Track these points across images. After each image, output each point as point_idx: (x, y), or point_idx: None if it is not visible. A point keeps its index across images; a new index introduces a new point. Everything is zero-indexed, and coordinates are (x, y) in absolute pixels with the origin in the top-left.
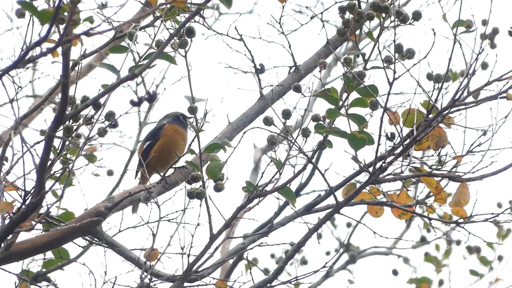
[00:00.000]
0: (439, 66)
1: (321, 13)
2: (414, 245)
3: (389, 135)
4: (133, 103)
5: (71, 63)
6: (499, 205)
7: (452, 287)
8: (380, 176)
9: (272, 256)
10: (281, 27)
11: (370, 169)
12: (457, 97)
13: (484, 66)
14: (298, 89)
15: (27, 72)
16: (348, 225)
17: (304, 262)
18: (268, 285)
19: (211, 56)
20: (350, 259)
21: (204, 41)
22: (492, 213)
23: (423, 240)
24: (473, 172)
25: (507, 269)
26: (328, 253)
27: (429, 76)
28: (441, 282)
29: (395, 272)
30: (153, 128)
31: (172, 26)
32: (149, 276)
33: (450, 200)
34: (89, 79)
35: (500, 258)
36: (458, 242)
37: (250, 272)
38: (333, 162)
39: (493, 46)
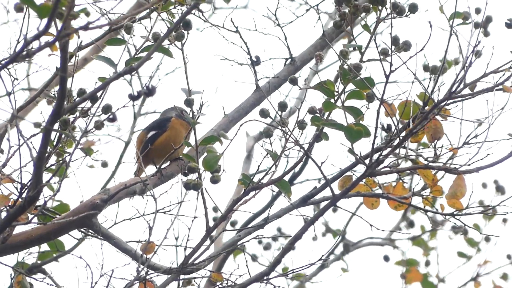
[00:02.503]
0: (433, 54)
1: (317, 5)
2: (400, 228)
3: (386, 126)
4: (131, 97)
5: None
6: (484, 186)
7: (440, 270)
8: (377, 168)
9: (260, 242)
10: (276, 19)
11: (367, 161)
12: (453, 89)
13: (478, 54)
14: (294, 82)
15: (23, 64)
16: (335, 210)
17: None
18: (265, 277)
19: (207, 48)
20: (344, 249)
21: (200, 33)
22: (488, 206)
23: (412, 225)
24: (469, 164)
25: (494, 250)
26: (323, 235)
27: (425, 68)
28: (427, 263)
29: (386, 258)
30: (158, 118)
31: (168, 18)
32: (145, 269)
33: (447, 192)
34: (84, 71)
35: (487, 239)
36: (443, 223)
37: (247, 265)
38: (328, 153)
39: (486, 34)
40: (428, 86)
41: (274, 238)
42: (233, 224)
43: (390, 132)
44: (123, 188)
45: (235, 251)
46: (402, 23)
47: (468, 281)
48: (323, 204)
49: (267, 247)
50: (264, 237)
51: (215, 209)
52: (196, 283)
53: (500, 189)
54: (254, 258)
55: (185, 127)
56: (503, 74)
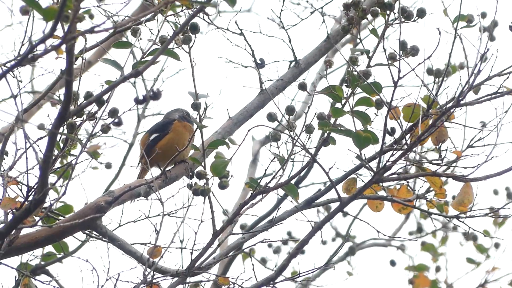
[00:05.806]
0: (437, 57)
1: (322, 7)
2: (410, 232)
3: (390, 129)
4: (137, 101)
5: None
6: (495, 192)
7: (449, 276)
8: (384, 175)
9: (270, 246)
10: (281, 21)
11: (373, 167)
12: (461, 97)
13: (484, 59)
14: (303, 88)
15: (27, 67)
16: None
17: (301, 252)
18: (271, 282)
19: (212, 51)
20: (349, 251)
21: (205, 36)
22: (492, 208)
23: (420, 230)
24: (474, 167)
25: (504, 257)
26: (324, 243)
27: (429, 71)
28: (438, 269)
29: (392, 263)
30: (161, 121)
31: (175, 21)
32: (152, 273)
33: (454, 200)
34: (88, 74)
35: (496, 245)
36: (455, 228)
37: (253, 269)
38: (335, 157)
39: (492, 39)
40: (432, 89)
41: (284, 242)
42: (243, 227)
43: (395, 135)
44: (127, 190)
45: (243, 254)
46: (408, 27)
47: None
48: (331, 209)
49: (276, 251)
50: (270, 241)
51: (225, 212)
52: (202, 286)
53: (511, 196)
54: (263, 261)
55: (188, 129)
56: (507, 77)
